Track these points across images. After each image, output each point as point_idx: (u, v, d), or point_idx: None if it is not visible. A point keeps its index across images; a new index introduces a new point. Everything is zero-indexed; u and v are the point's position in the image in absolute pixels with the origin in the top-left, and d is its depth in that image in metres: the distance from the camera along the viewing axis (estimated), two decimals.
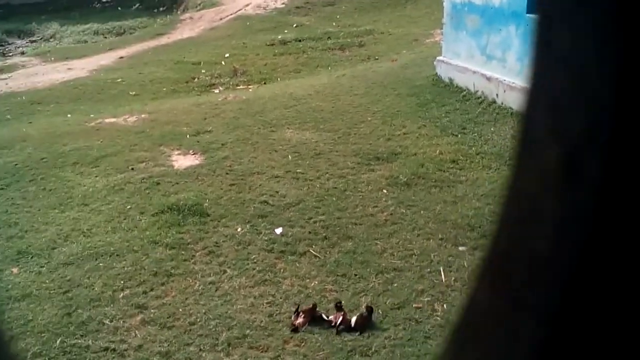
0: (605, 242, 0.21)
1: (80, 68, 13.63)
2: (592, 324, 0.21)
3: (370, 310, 4.08)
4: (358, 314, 4.08)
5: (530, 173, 0.24)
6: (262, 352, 3.88)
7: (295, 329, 4.05)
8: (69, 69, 13.68)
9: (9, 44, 18.09)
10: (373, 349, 3.86)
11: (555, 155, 0.23)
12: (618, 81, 0.20)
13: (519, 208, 0.25)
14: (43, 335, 4.02)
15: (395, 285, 4.44)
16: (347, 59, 12.72)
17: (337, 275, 4.62)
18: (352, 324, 4.01)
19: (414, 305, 4.23)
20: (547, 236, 0.23)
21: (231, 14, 17.88)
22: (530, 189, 0.24)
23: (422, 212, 5.42)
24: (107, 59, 14.56)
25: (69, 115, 9.55)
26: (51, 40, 18.49)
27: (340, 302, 4.19)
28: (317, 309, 4.17)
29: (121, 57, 14.63)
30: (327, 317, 4.12)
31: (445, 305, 4.19)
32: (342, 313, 4.09)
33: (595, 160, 0.21)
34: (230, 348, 3.91)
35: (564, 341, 0.22)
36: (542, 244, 0.23)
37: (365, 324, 4.04)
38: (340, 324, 4.04)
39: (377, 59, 12.17)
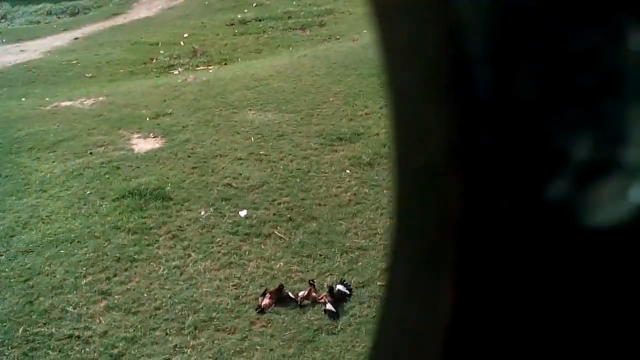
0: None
1: (34, 50, 13.20)
2: None
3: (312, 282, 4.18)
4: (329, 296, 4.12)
5: None
6: (229, 334, 3.90)
7: (261, 310, 4.08)
8: (22, 50, 13.23)
9: None
10: (339, 327, 3.92)
11: None
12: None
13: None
14: (4, 324, 3.95)
15: (360, 264, 4.51)
16: (308, 39, 12.65)
17: (303, 256, 4.66)
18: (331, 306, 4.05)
19: (378, 283, 4.30)
20: None
21: None
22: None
23: (385, 191, 5.48)
24: (61, 40, 14.13)
25: (23, 99, 9.27)
26: (2, 21, 17.82)
27: (313, 280, 4.24)
28: (284, 289, 4.20)
29: (76, 38, 14.22)
30: (295, 296, 4.16)
31: None
32: (310, 289, 4.14)
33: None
34: (197, 331, 3.91)
35: None
36: None
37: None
38: (305, 298, 4.10)
39: (338, 38, 12.14)
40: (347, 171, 5.90)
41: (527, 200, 0.22)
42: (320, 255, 4.65)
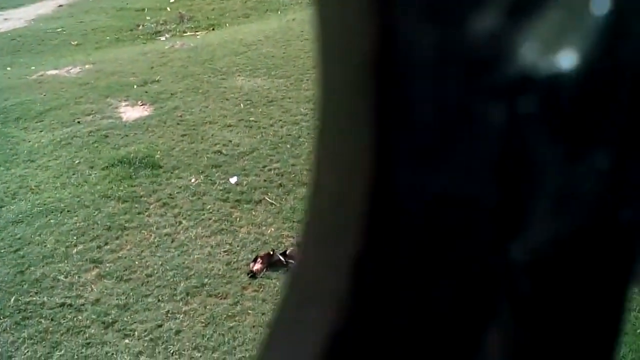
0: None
1: (18, 18, 12.94)
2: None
3: None
4: None
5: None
6: (221, 299, 3.93)
7: (253, 275, 4.10)
8: (6, 19, 12.97)
9: None
10: None
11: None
12: None
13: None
14: None
15: None
16: (296, 2, 12.44)
17: (293, 221, 4.66)
18: None
19: None
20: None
21: None
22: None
23: None
24: (45, 7, 13.85)
25: (8, 69, 9.12)
26: None
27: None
28: (275, 253, 4.21)
29: (60, 6, 13.93)
30: (285, 257, 4.16)
31: None
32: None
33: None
34: (189, 297, 3.94)
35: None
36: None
37: None
38: (292, 258, 4.09)
39: None
40: None
41: (449, 33, 0.19)
42: None
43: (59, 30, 11.63)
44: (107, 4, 13.43)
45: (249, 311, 3.82)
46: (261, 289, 4.01)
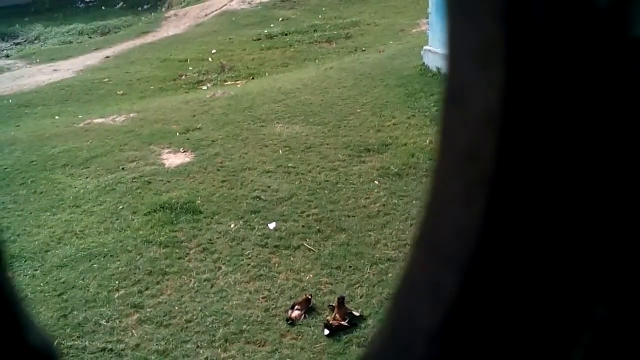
0: (506, 207, 0.27)
1: (66, 69, 13.53)
2: (500, 273, 0.28)
3: (341, 300, 4.07)
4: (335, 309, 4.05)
5: (445, 162, 0.31)
6: (259, 346, 3.90)
7: (291, 322, 4.07)
8: (55, 70, 13.57)
9: None
10: (370, 340, 3.88)
11: (463, 145, 0.29)
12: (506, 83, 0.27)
13: (438, 186, 0.32)
14: None
15: (390, 275, 4.47)
16: (334, 51, 12.70)
17: (332, 267, 4.64)
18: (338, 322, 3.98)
19: None
20: (459, 206, 0.29)
21: (216, 10, 17.80)
22: (446, 171, 0.31)
23: (414, 201, 5.44)
24: (92, 59, 14.46)
25: (56, 117, 9.49)
26: (35, 42, 18.33)
27: (343, 298, 4.13)
28: (311, 300, 4.17)
29: (107, 57, 14.53)
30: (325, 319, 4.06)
31: None
32: (337, 310, 4.03)
33: (490, 147, 0.27)
34: (228, 344, 3.92)
35: (476, 287, 0.28)
36: (456, 212, 0.29)
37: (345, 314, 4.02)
38: (333, 324, 3.98)
39: (364, 50, 12.16)
40: (376, 182, 5.88)
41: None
42: (350, 266, 4.63)
43: (105, 80, 12.10)
44: (151, 55, 13.94)
45: (287, 359, 3.78)
46: (300, 337, 3.97)
